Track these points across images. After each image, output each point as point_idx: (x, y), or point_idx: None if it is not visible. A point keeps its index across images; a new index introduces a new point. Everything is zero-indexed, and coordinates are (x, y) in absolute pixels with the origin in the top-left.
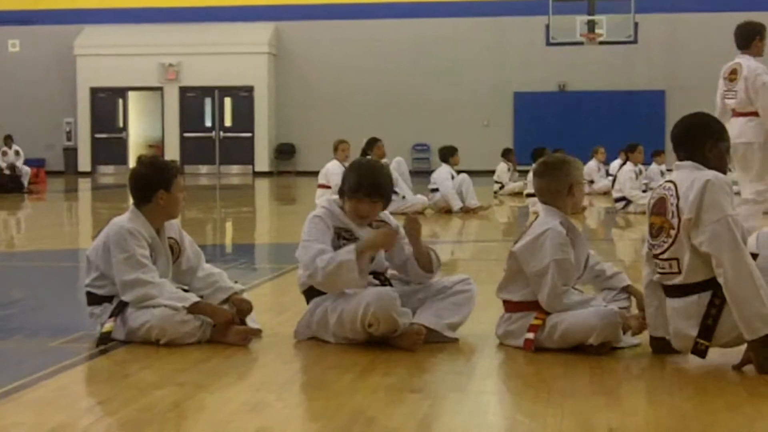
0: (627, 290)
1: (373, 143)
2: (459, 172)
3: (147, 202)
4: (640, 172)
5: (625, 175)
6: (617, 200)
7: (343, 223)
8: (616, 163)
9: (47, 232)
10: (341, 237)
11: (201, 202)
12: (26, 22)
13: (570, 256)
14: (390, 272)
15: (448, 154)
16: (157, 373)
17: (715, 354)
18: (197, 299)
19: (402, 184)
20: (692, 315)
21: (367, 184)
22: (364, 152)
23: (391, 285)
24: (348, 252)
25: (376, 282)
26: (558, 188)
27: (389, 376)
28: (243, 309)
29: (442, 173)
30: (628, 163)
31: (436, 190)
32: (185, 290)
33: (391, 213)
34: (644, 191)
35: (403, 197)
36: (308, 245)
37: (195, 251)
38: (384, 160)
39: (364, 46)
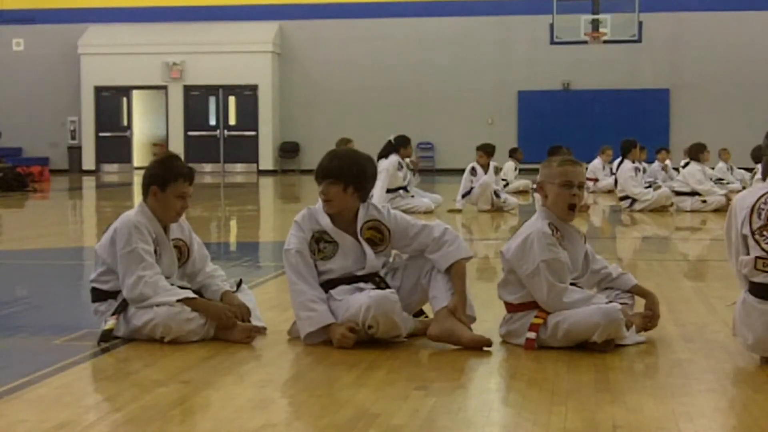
0: (633, 290)
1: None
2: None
3: (146, 196)
4: (644, 170)
5: (625, 173)
6: (622, 199)
7: (320, 225)
8: (618, 161)
9: (51, 230)
10: (320, 240)
11: (205, 200)
12: (30, 21)
13: (559, 256)
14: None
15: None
16: (161, 371)
17: (720, 352)
18: (193, 295)
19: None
20: None
21: (318, 166)
22: (394, 148)
23: (387, 286)
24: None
25: (371, 286)
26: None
27: (393, 373)
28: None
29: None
30: (626, 161)
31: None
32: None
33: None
34: (647, 187)
35: (412, 196)
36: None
37: (202, 255)
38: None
39: (368, 44)
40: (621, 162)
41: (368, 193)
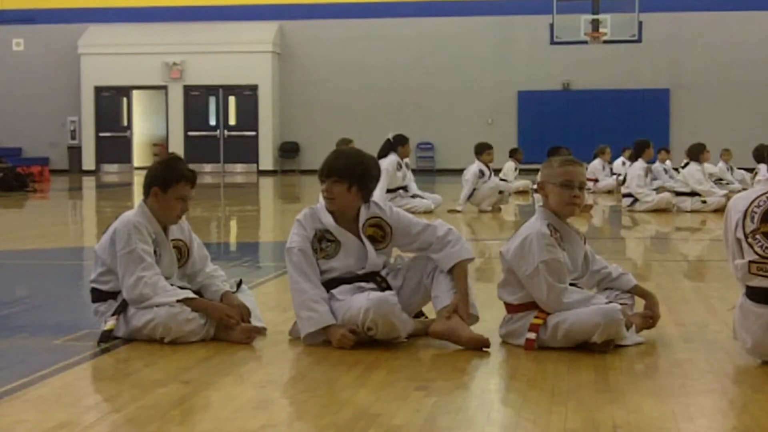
0: (633, 291)
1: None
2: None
3: (147, 196)
4: (649, 171)
5: (634, 172)
6: (625, 196)
7: (323, 224)
8: (618, 162)
9: (51, 230)
10: (323, 239)
11: (205, 200)
12: (30, 21)
13: (558, 256)
14: (395, 257)
15: (477, 151)
16: (161, 371)
17: (720, 352)
18: (193, 295)
19: (412, 185)
20: None
21: (323, 164)
22: (392, 147)
23: (389, 286)
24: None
25: (372, 286)
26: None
27: (393, 374)
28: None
29: (470, 170)
30: (640, 160)
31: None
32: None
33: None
34: (653, 190)
35: (412, 196)
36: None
37: (202, 255)
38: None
39: (368, 44)
40: (635, 160)
41: (371, 192)
